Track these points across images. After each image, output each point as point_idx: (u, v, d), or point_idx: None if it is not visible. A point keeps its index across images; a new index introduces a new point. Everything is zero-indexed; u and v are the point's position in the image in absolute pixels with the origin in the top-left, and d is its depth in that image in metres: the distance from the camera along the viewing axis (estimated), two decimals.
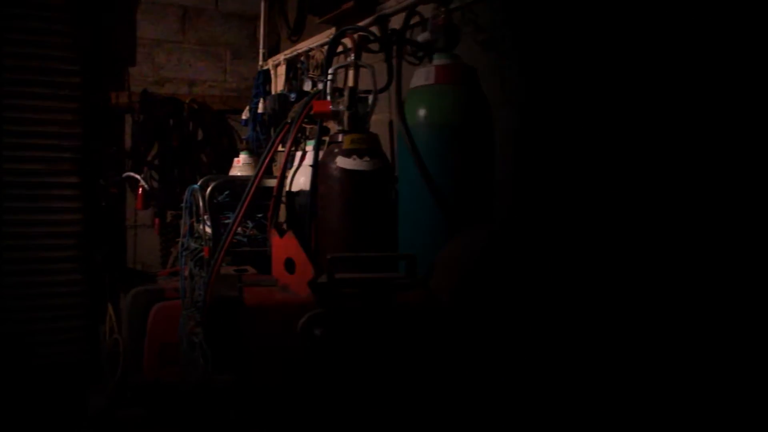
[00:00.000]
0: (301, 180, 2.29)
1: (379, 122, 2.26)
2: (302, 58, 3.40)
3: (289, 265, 1.74)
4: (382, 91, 2.04)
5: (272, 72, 3.83)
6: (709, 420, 1.39)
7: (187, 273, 2.16)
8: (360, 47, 2.13)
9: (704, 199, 1.44)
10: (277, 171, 2.50)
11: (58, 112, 3.60)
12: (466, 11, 2.18)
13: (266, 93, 3.66)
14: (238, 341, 1.80)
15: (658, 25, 1.55)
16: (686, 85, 1.48)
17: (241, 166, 3.31)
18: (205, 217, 2.30)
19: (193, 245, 2.21)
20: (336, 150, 1.93)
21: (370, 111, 2.01)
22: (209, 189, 2.42)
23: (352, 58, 2.11)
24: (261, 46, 4.03)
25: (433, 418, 1.56)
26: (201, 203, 2.29)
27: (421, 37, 1.95)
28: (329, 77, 2.07)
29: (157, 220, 3.91)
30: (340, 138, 1.94)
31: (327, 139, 2.16)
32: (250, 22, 4.23)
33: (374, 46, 2.21)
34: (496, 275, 1.59)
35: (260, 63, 3.99)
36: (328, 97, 2.04)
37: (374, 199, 1.92)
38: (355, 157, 1.88)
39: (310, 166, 2.20)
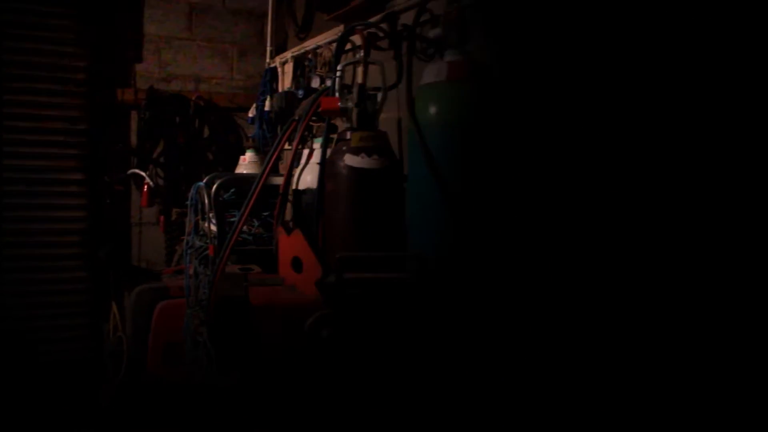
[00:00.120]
0: (308, 178, 2.27)
1: (386, 121, 2.23)
2: (310, 56, 3.37)
3: (297, 264, 1.71)
4: (392, 88, 2.01)
5: (279, 70, 3.80)
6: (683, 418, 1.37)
7: (191, 271, 2.15)
8: (369, 44, 2.10)
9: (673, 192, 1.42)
10: (283, 169, 2.47)
11: (64, 109, 3.58)
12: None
13: (273, 91, 3.64)
14: (243, 341, 1.77)
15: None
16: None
17: (247, 164, 3.30)
18: (211, 215, 2.28)
19: (198, 243, 2.19)
20: (344, 148, 1.90)
21: (379, 108, 1.98)
22: (215, 186, 2.40)
23: (361, 54, 2.08)
24: (268, 43, 4.00)
25: (440, 419, 1.54)
26: (206, 201, 2.28)
27: (432, 33, 1.92)
28: (338, 74, 2.04)
29: (162, 218, 3.90)
30: (348, 135, 1.92)
31: (335, 136, 2.13)
32: (257, 19, 4.20)
33: (383, 44, 2.19)
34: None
35: (267, 60, 3.96)
36: (337, 94, 2.01)
37: (383, 197, 1.89)
38: (363, 155, 1.86)
39: (318, 164, 2.17)
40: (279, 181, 2.34)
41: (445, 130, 1.69)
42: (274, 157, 2.12)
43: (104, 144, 3.76)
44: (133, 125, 3.88)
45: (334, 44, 2.19)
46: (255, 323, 1.57)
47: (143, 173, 3.79)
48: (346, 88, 2.05)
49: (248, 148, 3.36)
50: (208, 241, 2.15)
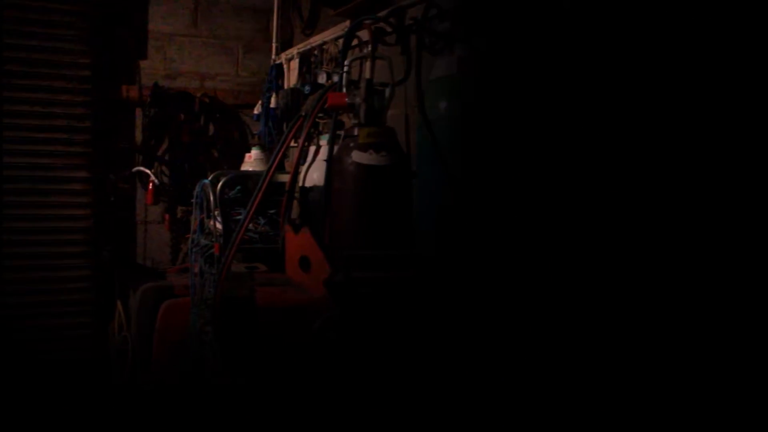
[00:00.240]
0: (314, 175, 2.24)
1: (392, 117, 2.20)
2: (316, 52, 3.34)
3: (305, 263, 1.68)
4: (400, 83, 1.98)
5: (285, 66, 3.77)
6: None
7: (197, 270, 2.13)
8: (377, 39, 2.07)
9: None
10: (289, 166, 2.44)
11: (68, 106, 3.56)
12: None
13: (279, 87, 3.61)
14: (249, 341, 1.75)
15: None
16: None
17: (252, 161, 3.26)
18: (216, 213, 2.26)
19: (203, 242, 2.17)
20: (351, 144, 1.87)
21: (387, 104, 1.95)
22: (220, 184, 2.38)
23: (369, 49, 2.05)
24: (274, 39, 3.97)
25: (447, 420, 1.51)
26: (212, 199, 2.25)
27: (441, 27, 1.88)
28: (345, 69, 2.01)
29: (167, 216, 3.88)
30: (355, 132, 1.89)
31: (341, 133, 2.10)
32: (262, 16, 4.17)
33: (390, 39, 2.15)
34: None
35: (273, 57, 3.93)
36: (344, 90, 1.98)
37: (391, 194, 1.86)
38: (371, 151, 1.83)
39: (324, 161, 2.14)
40: (285, 178, 2.32)
41: (454, 123, 1.66)
42: (281, 154, 2.10)
43: (109, 141, 3.74)
44: (138, 122, 3.87)
45: (341, 40, 2.16)
46: (261, 323, 1.54)
47: (148, 171, 3.77)
48: (353, 84, 2.02)
49: (254, 145, 3.33)
50: (213, 239, 2.13)
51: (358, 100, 1.92)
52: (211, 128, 4.04)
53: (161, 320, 2.34)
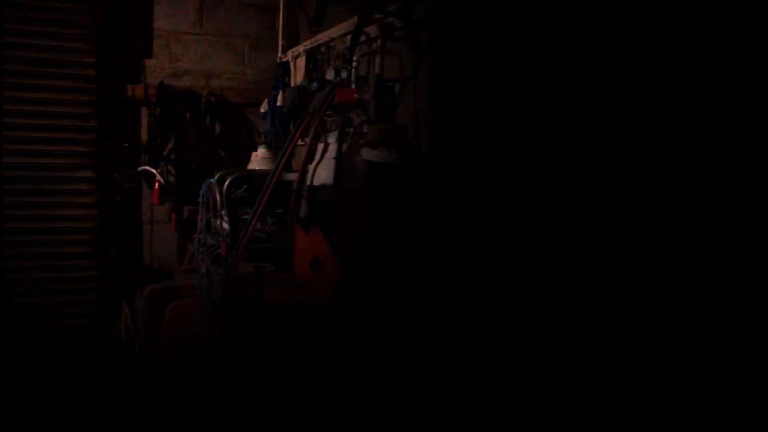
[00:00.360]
0: (323, 174, 2.20)
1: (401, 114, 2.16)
2: (323, 49, 3.31)
3: (316, 264, 1.64)
4: (410, 78, 1.94)
5: (292, 64, 3.73)
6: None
7: (204, 270, 2.10)
8: (386, 34, 2.03)
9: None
10: (297, 165, 2.41)
11: (73, 105, 3.54)
12: None
13: (285, 85, 3.57)
14: (257, 342, 1.72)
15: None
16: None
17: (259, 160, 3.23)
18: (223, 212, 2.23)
19: (210, 242, 2.14)
20: (361, 141, 1.83)
21: (397, 100, 1.91)
22: (227, 183, 2.35)
23: (378, 44, 2.01)
24: (280, 37, 3.94)
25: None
26: (218, 198, 2.22)
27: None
28: (354, 64, 1.97)
29: (173, 216, 3.85)
30: (365, 128, 1.85)
31: (350, 130, 2.06)
32: (268, 13, 4.14)
33: (399, 35, 2.11)
34: None
35: (279, 54, 3.89)
36: (353, 86, 1.94)
37: (402, 192, 1.82)
38: (382, 148, 1.79)
39: (333, 158, 2.10)
40: (293, 177, 2.28)
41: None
42: (288, 152, 2.06)
43: (114, 141, 3.71)
44: (144, 121, 3.84)
45: (348, 37, 2.12)
46: (270, 325, 1.51)
47: (154, 170, 3.74)
48: (361, 80, 1.99)
49: (260, 144, 3.30)
50: (220, 239, 2.10)
51: (367, 96, 1.88)
52: (218, 127, 4.01)
53: (168, 321, 2.32)
